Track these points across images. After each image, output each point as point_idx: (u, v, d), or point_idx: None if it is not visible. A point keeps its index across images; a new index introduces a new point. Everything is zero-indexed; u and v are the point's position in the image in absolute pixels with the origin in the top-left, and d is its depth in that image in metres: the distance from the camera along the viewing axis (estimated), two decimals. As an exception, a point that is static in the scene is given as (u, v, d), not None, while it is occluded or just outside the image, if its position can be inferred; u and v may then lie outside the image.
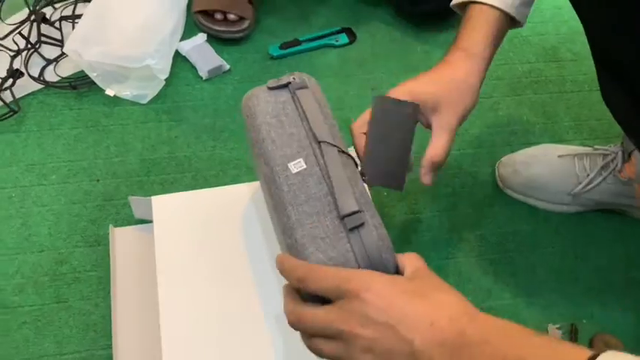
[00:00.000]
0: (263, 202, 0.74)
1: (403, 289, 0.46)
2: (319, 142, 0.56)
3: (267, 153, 0.57)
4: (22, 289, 0.77)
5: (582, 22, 0.67)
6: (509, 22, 0.69)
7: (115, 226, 0.81)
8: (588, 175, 0.84)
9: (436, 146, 0.63)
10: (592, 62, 0.65)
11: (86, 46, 0.93)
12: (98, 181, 0.87)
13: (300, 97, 0.59)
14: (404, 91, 0.63)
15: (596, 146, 0.87)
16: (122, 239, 0.80)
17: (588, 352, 0.38)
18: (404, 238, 0.85)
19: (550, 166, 0.87)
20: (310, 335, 0.49)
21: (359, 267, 0.50)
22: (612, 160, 0.83)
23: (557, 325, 0.78)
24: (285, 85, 0.60)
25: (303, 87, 0.60)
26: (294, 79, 0.61)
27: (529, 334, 0.42)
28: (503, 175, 0.90)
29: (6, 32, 0.98)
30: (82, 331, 0.74)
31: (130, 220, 0.83)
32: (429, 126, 0.65)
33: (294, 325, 0.49)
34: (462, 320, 0.43)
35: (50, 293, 0.77)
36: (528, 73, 1.06)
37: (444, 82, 0.64)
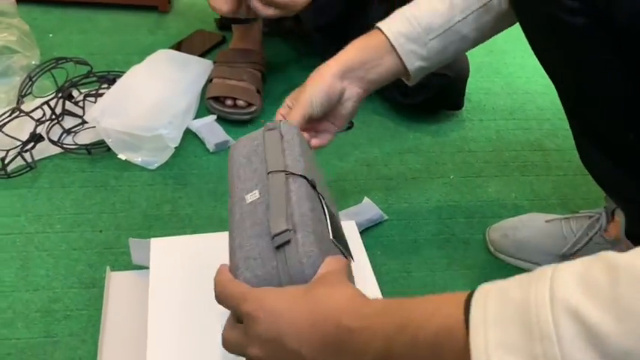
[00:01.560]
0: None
1: (293, 296, 0.46)
2: (268, 174, 0.58)
3: (233, 188, 0.61)
4: (12, 322, 0.76)
5: (555, 85, 0.71)
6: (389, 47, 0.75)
7: (112, 270, 0.82)
8: (575, 235, 0.86)
9: (291, 116, 0.72)
10: (575, 152, 0.71)
11: (105, 116, 1.01)
12: (101, 231, 0.90)
13: (266, 137, 0.63)
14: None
15: (581, 210, 0.90)
16: (117, 282, 0.81)
17: (466, 293, 0.38)
18: (397, 294, 0.84)
19: (538, 230, 0.90)
20: None
21: (281, 285, 0.50)
22: (597, 220, 0.86)
23: None
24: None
25: (273, 129, 0.64)
26: (268, 124, 0.65)
27: (407, 301, 0.41)
28: (494, 240, 0.92)
29: (35, 105, 1.07)
30: (66, 364, 0.72)
31: (127, 266, 0.84)
32: None
33: (223, 346, 0.51)
34: (337, 312, 0.43)
35: (40, 328, 0.76)
36: (515, 158, 1.13)
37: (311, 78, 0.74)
